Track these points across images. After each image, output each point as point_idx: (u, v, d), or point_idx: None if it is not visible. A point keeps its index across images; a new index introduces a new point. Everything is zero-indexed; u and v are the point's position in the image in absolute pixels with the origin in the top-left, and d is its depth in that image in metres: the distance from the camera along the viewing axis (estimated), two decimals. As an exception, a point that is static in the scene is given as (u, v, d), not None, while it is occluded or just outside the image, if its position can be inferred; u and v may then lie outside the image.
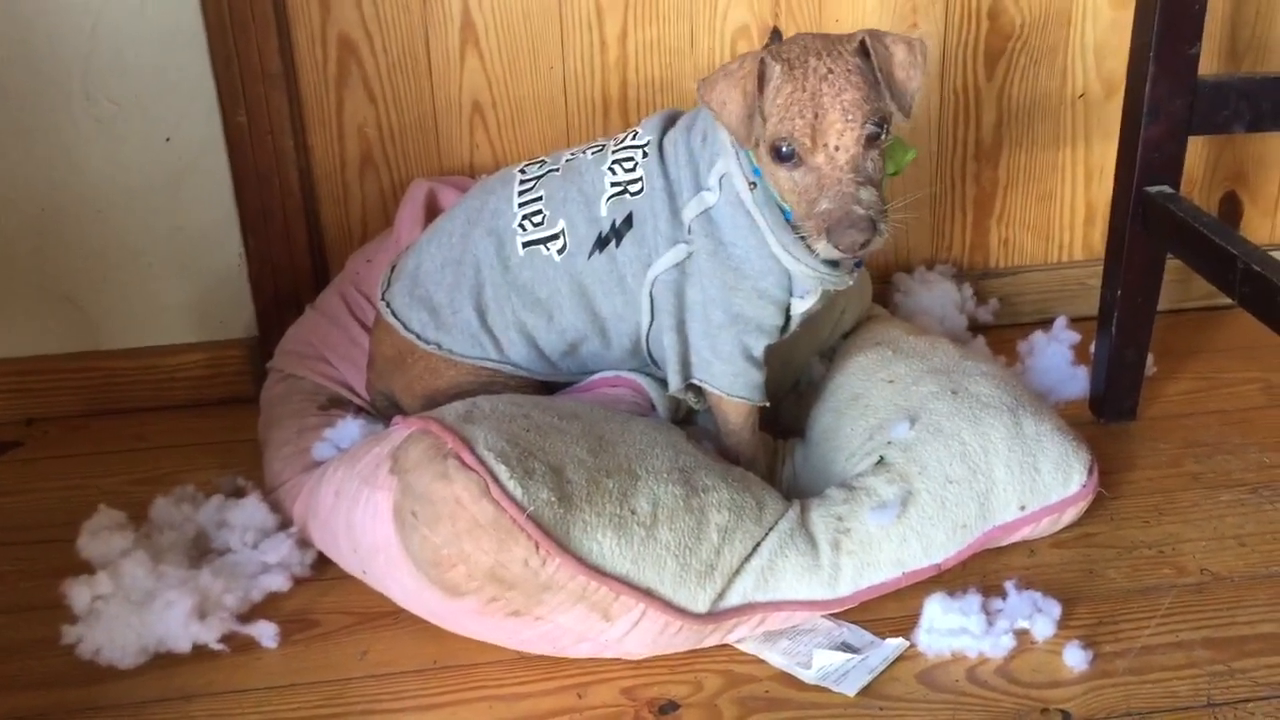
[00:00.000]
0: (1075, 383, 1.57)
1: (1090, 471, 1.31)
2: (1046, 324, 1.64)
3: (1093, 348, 1.55)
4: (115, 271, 1.61)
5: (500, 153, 1.63)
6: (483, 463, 1.06)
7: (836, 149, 1.10)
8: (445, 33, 1.58)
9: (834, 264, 1.21)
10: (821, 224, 1.10)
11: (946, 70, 1.68)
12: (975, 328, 1.71)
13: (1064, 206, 1.78)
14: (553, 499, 1.07)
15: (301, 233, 1.63)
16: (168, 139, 1.56)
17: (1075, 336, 1.61)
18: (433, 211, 1.51)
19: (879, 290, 1.66)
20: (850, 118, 1.09)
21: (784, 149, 1.11)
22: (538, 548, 1.05)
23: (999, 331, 1.72)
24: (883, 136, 1.12)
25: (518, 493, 1.05)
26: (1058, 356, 1.59)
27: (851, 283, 1.25)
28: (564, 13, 1.59)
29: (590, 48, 1.61)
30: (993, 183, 1.75)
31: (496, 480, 1.05)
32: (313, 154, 1.62)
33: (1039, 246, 1.80)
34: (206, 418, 1.64)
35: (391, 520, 1.09)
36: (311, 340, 1.49)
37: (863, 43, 1.13)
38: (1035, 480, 1.27)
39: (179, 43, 1.51)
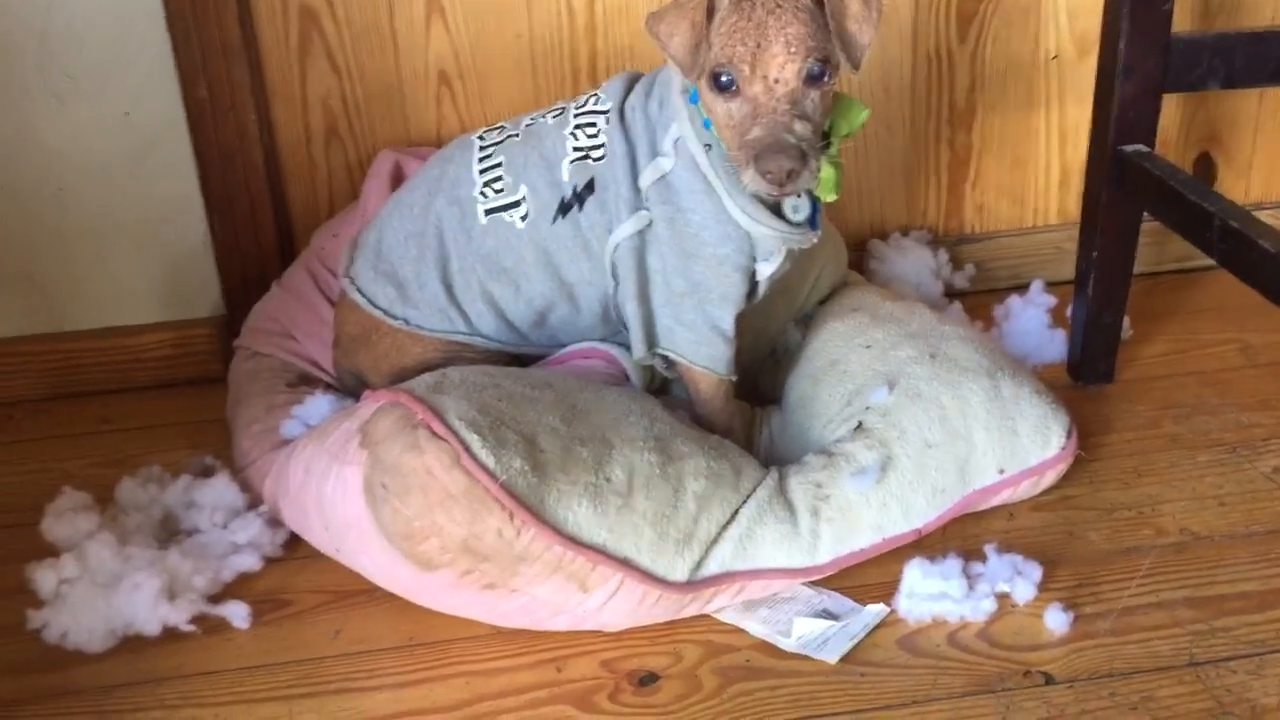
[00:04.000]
0: (1052, 346, 1.56)
1: (1069, 434, 1.30)
2: (1022, 289, 1.63)
3: (1069, 311, 1.54)
4: (77, 251, 1.57)
5: (468, 123, 1.60)
6: (454, 432, 1.04)
7: (776, 81, 1.09)
8: (409, 1, 1.55)
9: (793, 223, 1.19)
10: (750, 152, 1.08)
11: (919, 34, 1.66)
12: (951, 294, 1.70)
13: (1038, 170, 1.76)
14: (526, 468, 1.05)
15: (267, 208, 1.60)
16: (126, 114, 1.52)
17: (1051, 300, 1.60)
18: (399, 184, 1.48)
19: (854, 258, 1.65)
20: (793, 50, 1.08)
21: (723, 77, 1.10)
22: (512, 518, 1.03)
23: (975, 297, 1.70)
24: (826, 79, 1.11)
25: (490, 462, 1.03)
26: (1034, 320, 1.58)
27: (815, 240, 1.23)
28: (530, -21, 1.56)
29: (558, 14, 1.58)
30: (967, 148, 1.73)
31: (468, 450, 1.03)
32: (276, 128, 1.59)
33: (1014, 211, 1.78)
34: (174, 398, 1.61)
35: (362, 494, 1.07)
36: (278, 317, 1.46)
37: None
38: (1014, 443, 1.26)
39: (136, 15, 1.48)
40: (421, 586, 1.10)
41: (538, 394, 1.13)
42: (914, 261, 1.68)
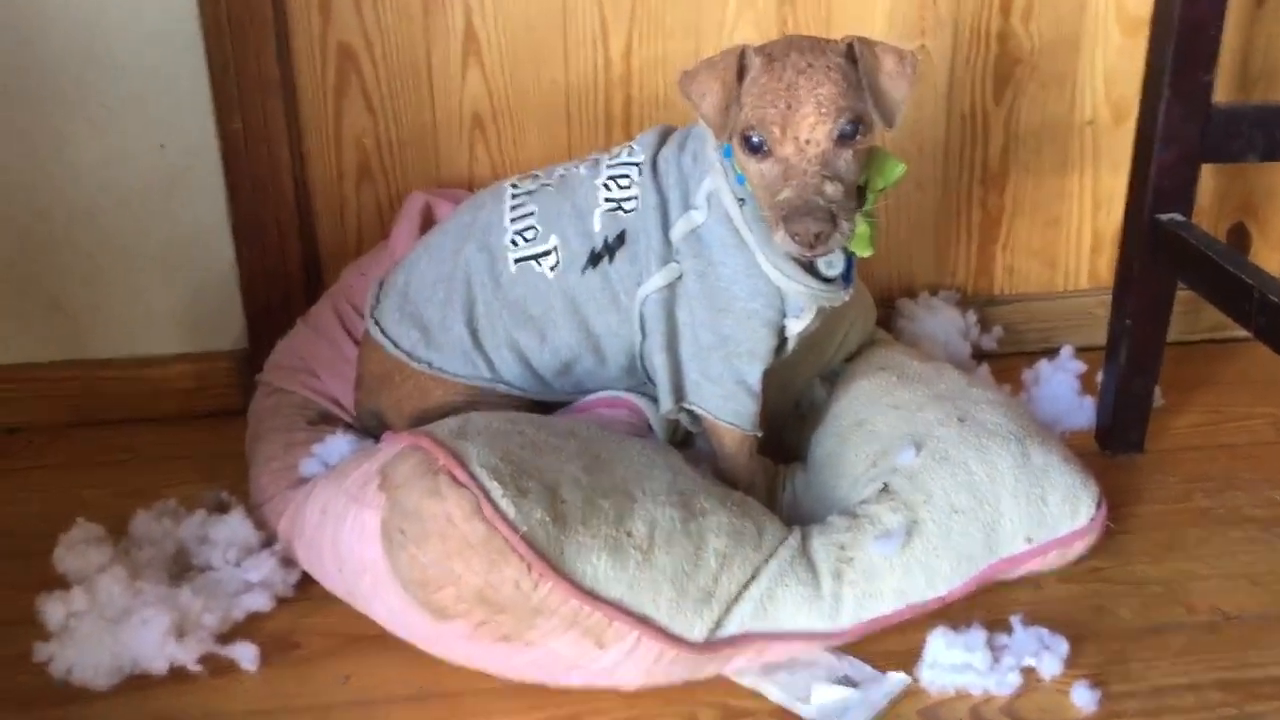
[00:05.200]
0: (1081, 413, 1.54)
1: (1099, 505, 1.27)
2: (1052, 353, 1.61)
3: (1100, 378, 1.52)
4: (105, 278, 1.57)
5: (500, 166, 1.60)
6: (475, 480, 1.02)
7: (807, 142, 1.08)
8: (447, 43, 1.56)
9: (826, 280, 1.19)
10: (780, 213, 1.07)
11: (954, 93, 1.65)
12: (979, 355, 1.68)
13: (1071, 234, 1.75)
14: (547, 519, 1.03)
15: (295, 243, 1.60)
16: (161, 145, 1.53)
17: (1081, 366, 1.58)
18: (429, 225, 1.47)
19: (882, 315, 1.63)
20: (824, 111, 1.07)
21: (754, 138, 1.09)
22: (530, 569, 1.01)
23: (1003, 360, 1.68)
24: (858, 138, 1.10)
25: (511, 512, 1.02)
26: (1064, 386, 1.56)
27: (846, 298, 1.22)
28: (568, 27, 1.56)
29: (594, 63, 1.58)
30: (999, 208, 1.72)
31: (489, 498, 1.02)
32: (309, 163, 1.59)
33: (1045, 274, 1.77)
34: (194, 430, 1.60)
35: (379, 539, 1.05)
36: (301, 354, 1.45)
37: (850, 46, 1.10)
38: (1043, 512, 1.24)
39: (175, 46, 1.48)
40: (435, 635, 1.08)
41: (561, 442, 1.12)
42: (942, 321, 1.67)
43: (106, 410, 1.60)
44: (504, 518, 1.01)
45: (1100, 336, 1.56)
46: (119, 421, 1.61)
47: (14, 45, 1.45)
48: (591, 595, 1.04)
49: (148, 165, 1.53)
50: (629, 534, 1.07)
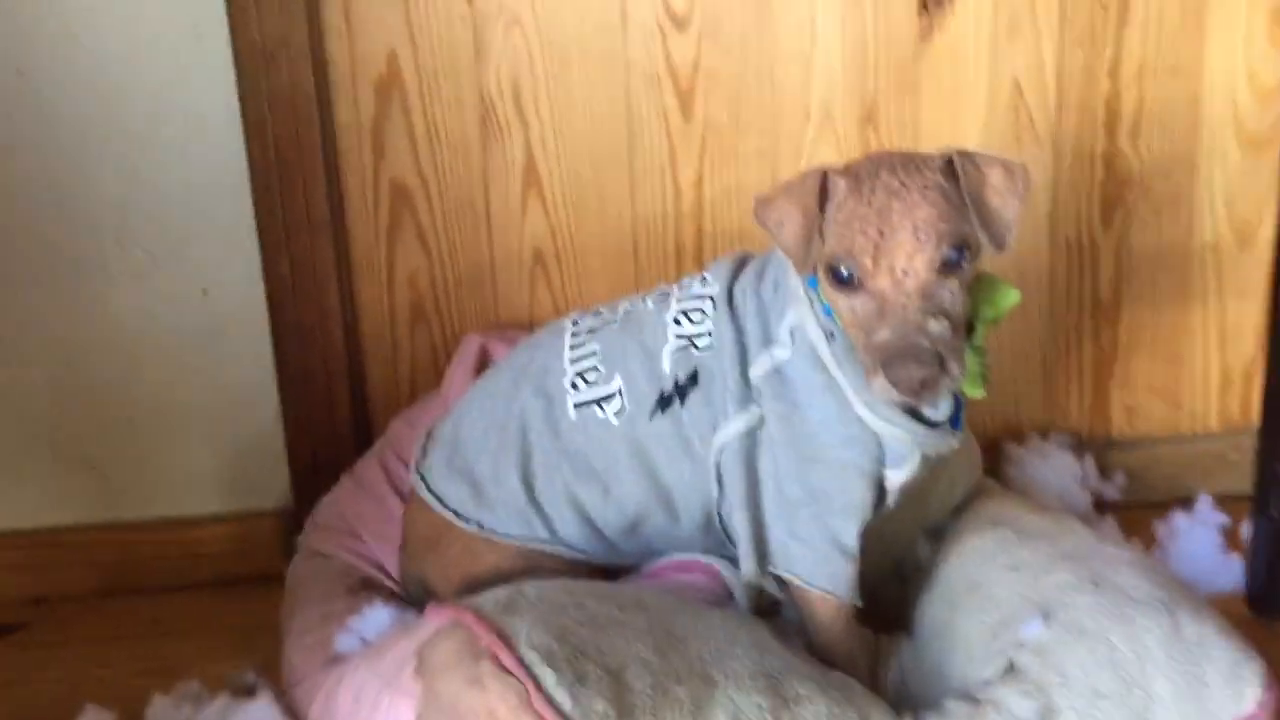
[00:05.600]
0: (1227, 574, 1.35)
1: (1266, 686, 1.07)
2: (1183, 503, 1.43)
3: (1245, 531, 1.33)
4: (141, 434, 1.47)
5: (563, 305, 1.49)
6: (524, 665, 0.87)
7: (904, 273, 0.94)
8: (506, 179, 1.46)
9: (931, 423, 1.03)
10: (878, 357, 0.93)
11: (1058, 218, 1.51)
12: (1101, 506, 1.50)
13: (1195, 371, 1.58)
14: (610, 712, 0.87)
15: (344, 393, 1.49)
16: (204, 291, 1.44)
17: (1223, 518, 1.39)
18: (485, 369, 1.35)
19: (987, 462, 1.46)
20: (923, 237, 0.93)
21: (842, 271, 0.96)
22: (590, 775, 0.85)
23: (1128, 511, 1.49)
24: (964, 265, 0.96)
25: (567, 705, 0.86)
26: (1204, 542, 1.37)
27: (956, 444, 1.06)
28: (634, 156, 1.46)
29: (662, 194, 1.48)
30: (1113, 343, 1.56)
31: (541, 687, 0.86)
32: (360, 307, 1.49)
33: (1168, 415, 1.59)
34: (231, 599, 1.47)
35: (414, 735, 0.89)
36: (344, 513, 1.32)
37: (950, 161, 0.97)
38: (1203, 695, 1.04)
39: (221, 188, 1.40)
40: None
41: (627, 616, 0.96)
42: (1056, 468, 1.50)
43: (138, 577, 1.48)
44: (558, 711, 0.85)
45: (1236, 484, 1.40)
46: (152, 590, 1.48)
47: (54, 193, 1.38)
48: (665, 805, 0.87)
49: (190, 313, 1.44)
50: (708, 727, 0.90)
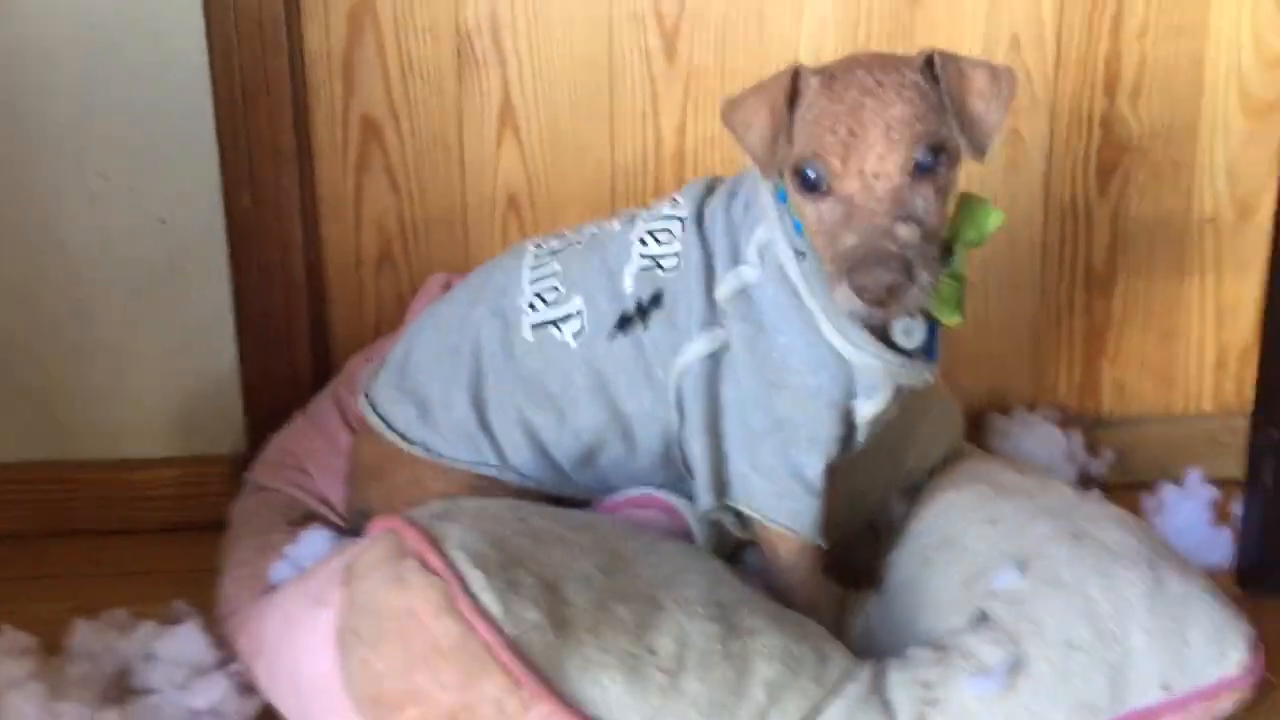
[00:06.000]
0: (1217, 548, 1.29)
1: (1253, 649, 1.01)
2: (1175, 480, 1.37)
3: (1236, 508, 1.27)
4: (90, 369, 1.41)
5: (534, 250, 1.43)
6: (450, 565, 0.81)
7: (875, 175, 0.88)
8: (481, 117, 1.41)
9: (904, 352, 0.98)
10: (842, 264, 0.87)
11: (1053, 184, 1.46)
12: (1086, 483, 1.43)
13: (1190, 348, 1.52)
14: (543, 622, 0.81)
15: (305, 337, 1.43)
16: (163, 221, 1.38)
17: (1213, 492, 1.33)
18: (448, 306, 1.30)
19: (970, 435, 1.40)
20: (895, 136, 0.88)
21: (811, 173, 0.90)
22: (518, 686, 0.78)
23: (1115, 491, 1.42)
24: (940, 170, 0.90)
25: (495, 608, 0.80)
26: (1194, 516, 1.31)
27: (931, 377, 1.01)
28: (615, 99, 1.41)
29: (643, 140, 1.42)
30: (1106, 315, 1.50)
31: (467, 589, 0.80)
32: (324, 246, 1.44)
33: (1161, 393, 1.53)
34: (178, 544, 1.40)
35: (334, 645, 0.83)
36: (294, 449, 1.27)
37: (930, 60, 0.92)
38: (1184, 654, 0.98)
39: (184, 112, 1.35)
40: (399, 775, 0.84)
41: (573, 535, 0.90)
42: (1042, 441, 1.44)
43: (80, 519, 1.42)
44: (485, 615, 0.79)
45: (1228, 467, 1.35)
46: (94, 532, 1.42)
47: (8, 110, 1.33)
48: (599, 726, 0.80)
49: (146, 243, 1.38)
50: (652, 651, 0.84)
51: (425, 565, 0.81)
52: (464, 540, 0.83)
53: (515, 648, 0.79)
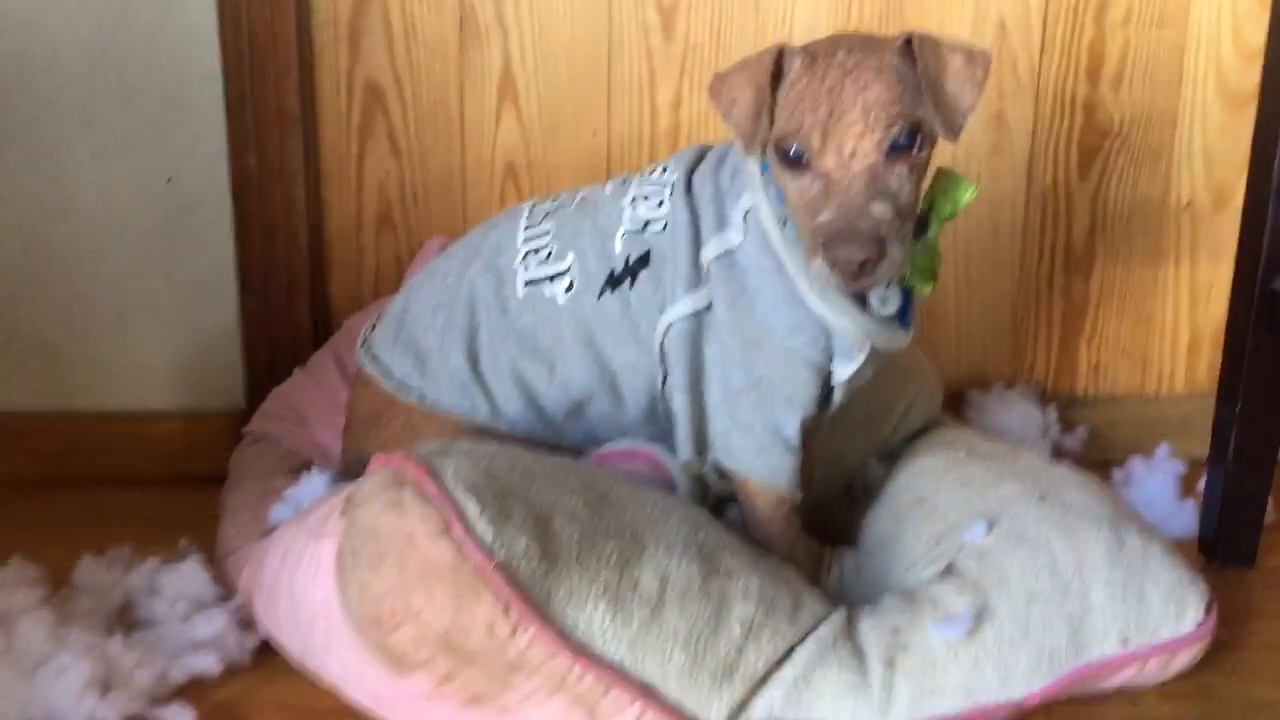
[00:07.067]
0: (1182, 519, 1.33)
1: (1209, 609, 1.06)
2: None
3: (1202, 484, 1.32)
4: (96, 322, 1.44)
5: (530, 216, 1.47)
6: (447, 494, 0.85)
7: (852, 154, 0.92)
8: (482, 86, 1.45)
9: (880, 318, 1.02)
10: (818, 238, 0.91)
11: (1035, 167, 1.50)
12: (1060, 458, 1.47)
13: (1165, 330, 1.56)
14: (533, 551, 0.85)
15: (305, 297, 1.46)
16: (169, 179, 1.42)
17: (1180, 467, 1.38)
18: (446, 266, 1.33)
19: (948, 409, 1.44)
20: (872, 117, 0.92)
21: (791, 149, 0.94)
22: (507, 610, 0.83)
23: (1089, 468, 1.46)
24: (915, 151, 0.94)
25: (487, 535, 0.84)
26: (1161, 487, 1.35)
27: (906, 341, 1.05)
28: (613, 73, 1.45)
29: (639, 114, 1.46)
30: (1084, 298, 1.55)
31: (462, 516, 0.84)
32: (326, 208, 1.47)
33: (1135, 374, 1.58)
34: (179, 494, 1.42)
35: (333, 569, 0.87)
36: (293, 402, 1.31)
37: (908, 42, 0.96)
38: (1142, 610, 1.03)
39: (192, 72, 1.38)
40: (393, 697, 0.89)
41: (562, 475, 0.94)
42: (1018, 416, 1.48)
43: (83, 468, 1.45)
44: (478, 542, 0.83)
45: (1199, 448, 1.37)
46: (96, 481, 1.45)
47: (19, 66, 1.36)
48: (584, 652, 0.85)
49: (152, 200, 1.42)
50: (635, 585, 0.88)
51: (423, 493, 0.85)
52: (460, 471, 0.87)
53: (506, 573, 0.83)
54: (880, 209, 0.92)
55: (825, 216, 0.92)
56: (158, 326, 1.46)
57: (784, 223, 1.02)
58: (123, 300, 1.44)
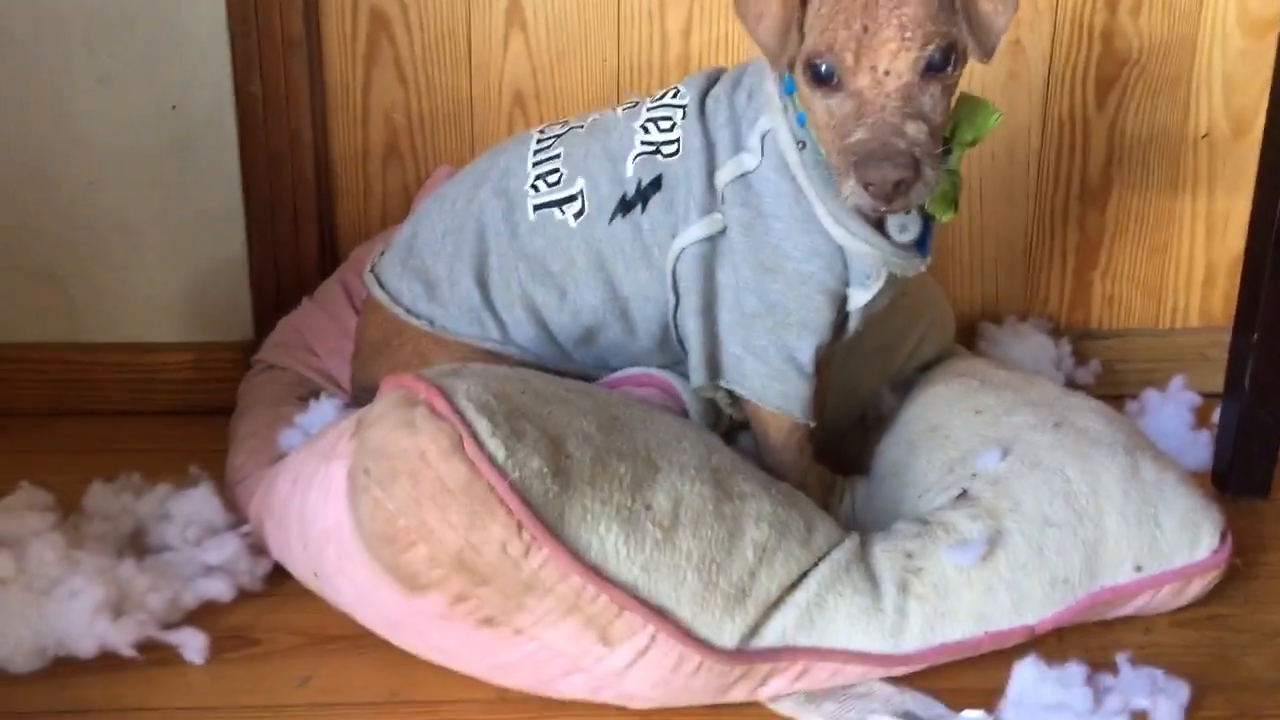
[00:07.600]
0: (1196, 450, 1.32)
1: (1223, 537, 1.06)
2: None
3: (1217, 416, 1.31)
4: (103, 252, 1.43)
5: (539, 144, 1.45)
6: (459, 413, 0.84)
7: (886, 73, 0.90)
8: (489, 12, 1.42)
9: (898, 245, 1.01)
10: (851, 158, 0.89)
11: (1051, 96, 1.48)
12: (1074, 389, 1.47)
13: (1180, 262, 1.55)
14: (545, 471, 0.84)
15: (312, 226, 1.45)
16: (174, 106, 1.40)
17: (1195, 398, 1.37)
18: (454, 194, 1.32)
19: (962, 342, 1.43)
20: (908, 35, 0.90)
21: (822, 67, 0.92)
22: (520, 530, 0.82)
23: (1101, 399, 1.47)
24: (949, 70, 0.92)
25: (500, 454, 0.83)
26: (1175, 419, 1.34)
27: (924, 267, 1.04)
28: (622, 1, 1.42)
29: (649, 42, 1.44)
30: (1098, 229, 1.53)
31: (474, 435, 0.83)
32: (332, 137, 1.46)
33: (1149, 307, 1.56)
34: (188, 425, 1.43)
35: (344, 490, 0.87)
36: (301, 330, 1.30)
37: None
38: (1156, 537, 1.02)
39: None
40: (406, 617, 0.89)
41: (574, 398, 0.93)
42: (1032, 348, 1.47)
43: (92, 399, 1.45)
44: (491, 460, 0.83)
45: (1213, 382, 1.36)
46: (108, 412, 1.45)
47: (18, -8, 1.34)
48: (597, 573, 0.84)
49: (158, 127, 1.40)
50: (648, 506, 0.87)
51: (435, 412, 0.84)
52: (471, 392, 0.86)
53: (519, 492, 0.83)
54: (915, 129, 0.90)
55: (858, 136, 0.90)
56: (165, 256, 1.44)
57: (802, 146, 1.00)
58: (129, 229, 1.43)
